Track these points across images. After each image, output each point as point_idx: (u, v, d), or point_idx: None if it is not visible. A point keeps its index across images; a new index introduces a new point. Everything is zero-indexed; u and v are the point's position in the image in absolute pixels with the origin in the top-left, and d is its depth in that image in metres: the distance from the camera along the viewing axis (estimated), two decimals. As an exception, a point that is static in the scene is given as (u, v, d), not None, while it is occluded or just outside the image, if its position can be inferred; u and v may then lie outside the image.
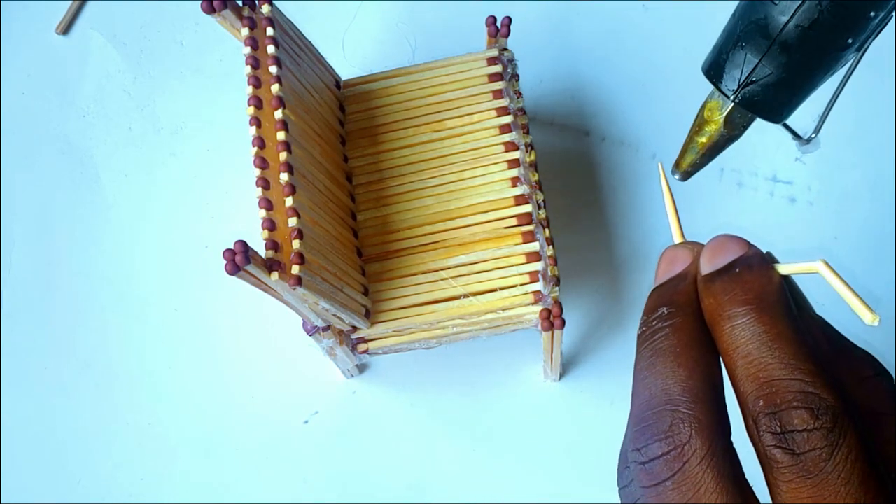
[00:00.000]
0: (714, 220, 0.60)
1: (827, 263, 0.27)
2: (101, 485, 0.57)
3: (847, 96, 0.62)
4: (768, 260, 0.28)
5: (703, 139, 0.34)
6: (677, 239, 0.32)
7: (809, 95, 0.31)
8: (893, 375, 0.28)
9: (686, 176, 0.35)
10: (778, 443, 0.24)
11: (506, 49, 0.54)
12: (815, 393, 0.24)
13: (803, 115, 0.32)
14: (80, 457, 0.58)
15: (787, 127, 0.33)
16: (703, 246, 0.29)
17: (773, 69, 0.30)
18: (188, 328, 0.60)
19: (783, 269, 0.27)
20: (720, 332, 0.26)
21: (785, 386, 0.24)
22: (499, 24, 0.52)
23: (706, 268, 0.28)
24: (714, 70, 0.32)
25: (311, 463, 0.57)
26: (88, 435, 0.58)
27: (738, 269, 0.27)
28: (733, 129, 0.33)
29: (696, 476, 0.24)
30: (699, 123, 0.34)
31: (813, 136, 0.35)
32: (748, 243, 0.28)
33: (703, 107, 0.33)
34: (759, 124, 0.66)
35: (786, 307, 0.26)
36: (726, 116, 0.32)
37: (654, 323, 0.27)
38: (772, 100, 0.31)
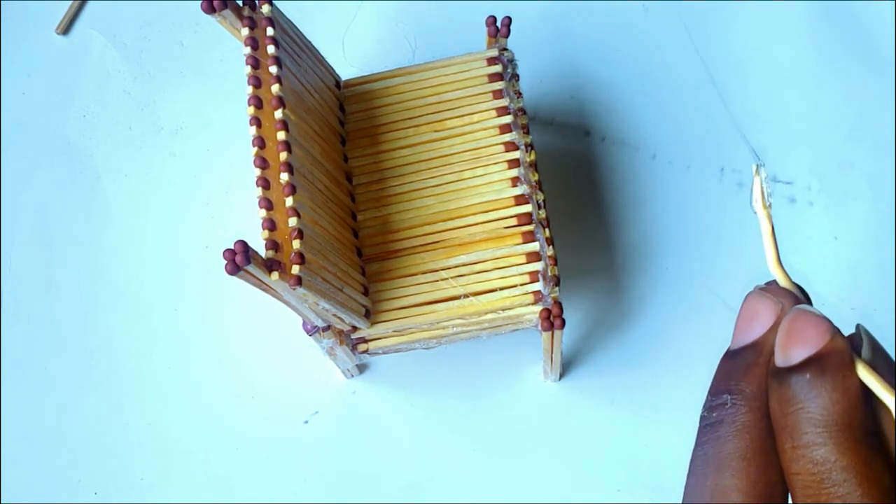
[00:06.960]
0: (714, 220, 0.60)
1: None
2: (101, 485, 0.57)
3: (847, 96, 0.63)
4: (849, 358, 0.24)
5: None
6: (772, 267, 0.28)
7: None
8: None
9: None
10: None
11: (506, 49, 0.54)
12: None
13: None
14: (79, 457, 0.58)
15: None
16: (790, 299, 0.26)
17: None
18: (188, 328, 0.60)
19: (865, 374, 0.24)
20: (781, 446, 0.24)
21: None
22: (499, 23, 0.52)
23: (779, 357, 0.25)
24: None
25: (311, 463, 0.57)
26: (88, 435, 0.58)
27: (808, 376, 0.24)
28: None
29: None
30: None
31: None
32: (828, 329, 0.24)
33: None
34: (759, 124, 0.66)
35: (858, 431, 0.23)
36: None
37: (715, 414, 0.26)
38: None
